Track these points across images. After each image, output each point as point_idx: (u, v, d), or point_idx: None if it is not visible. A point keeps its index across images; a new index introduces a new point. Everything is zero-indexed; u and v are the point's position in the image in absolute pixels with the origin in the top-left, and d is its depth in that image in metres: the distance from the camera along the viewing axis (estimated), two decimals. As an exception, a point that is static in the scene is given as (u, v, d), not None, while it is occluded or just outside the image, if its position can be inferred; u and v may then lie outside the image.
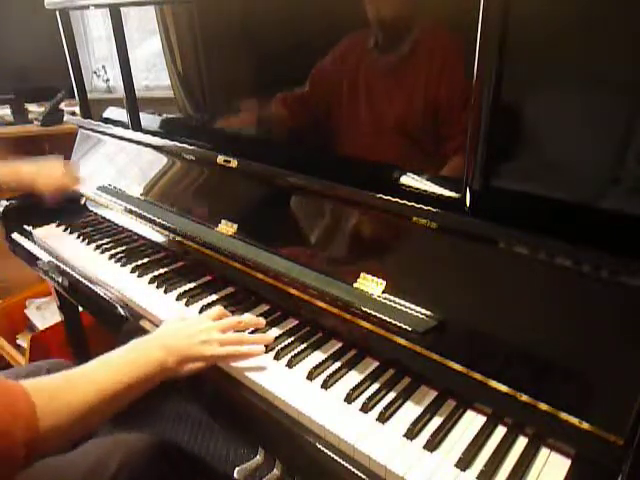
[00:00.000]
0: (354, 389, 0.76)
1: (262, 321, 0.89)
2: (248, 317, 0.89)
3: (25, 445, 0.57)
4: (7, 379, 0.61)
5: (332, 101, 0.93)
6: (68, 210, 1.44)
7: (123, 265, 1.17)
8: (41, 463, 0.77)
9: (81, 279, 1.16)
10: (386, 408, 0.72)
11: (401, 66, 0.81)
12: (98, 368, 0.70)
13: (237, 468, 1.37)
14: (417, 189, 0.83)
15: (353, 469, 0.66)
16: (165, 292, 1.05)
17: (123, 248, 1.26)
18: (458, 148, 0.76)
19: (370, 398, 0.74)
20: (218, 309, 0.88)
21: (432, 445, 0.67)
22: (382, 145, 0.89)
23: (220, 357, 0.80)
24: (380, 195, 0.82)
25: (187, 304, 1.00)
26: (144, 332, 0.97)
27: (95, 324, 1.67)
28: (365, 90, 0.87)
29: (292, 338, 0.89)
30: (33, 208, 1.44)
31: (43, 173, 1.24)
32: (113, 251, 1.24)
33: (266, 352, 0.85)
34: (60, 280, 1.21)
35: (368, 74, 0.86)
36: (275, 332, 0.91)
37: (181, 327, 0.81)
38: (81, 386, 0.66)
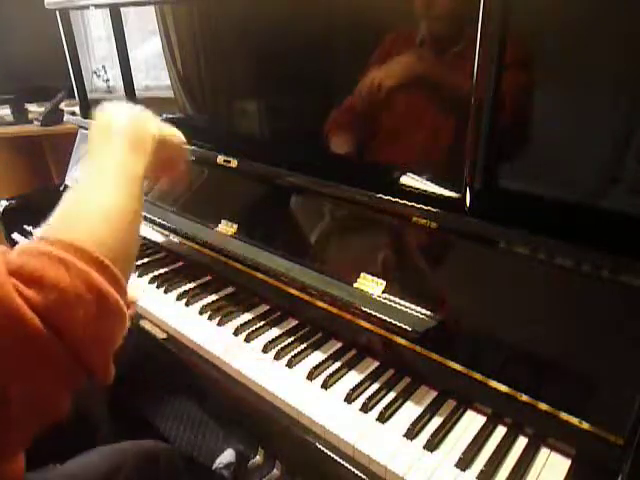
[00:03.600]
0: (354, 389, 0.76)
1: None
2: None
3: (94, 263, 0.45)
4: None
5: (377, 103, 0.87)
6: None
7: (123, 265, 1.17)
8: (52, 472, 0.76)
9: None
10: (386, 408, 0.72)
11: (449, 65, 0.78)
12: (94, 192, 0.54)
13: (237, 468, 1.37)
14: (417, 189, 0.83)
15: (353, 469, 0.66)
16: (165, 292, 1.05)
17: (123, 248, 1.25)
18: None
19: (370, 398, 0.74)
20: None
21: (432, 445, 0.67)
22: (405, 144, 0.87)
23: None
24: (380, 195, 0.82)
25: (187, 304, 1.00)
26: (144, 332, 0.98)
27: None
28: (405, 87, 0.85)
29: (292, 338, 0.89)
30: (33, 208, 1.44)
31: None
32: (113, 251, 1.24)
33: (266, 352, 0.85)
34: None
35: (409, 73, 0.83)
36: (275, 332, 0.91)
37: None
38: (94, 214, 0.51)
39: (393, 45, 0.83)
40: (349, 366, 0.82)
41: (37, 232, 0.48)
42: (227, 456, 1.38)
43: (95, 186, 0.54)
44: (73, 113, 1.73)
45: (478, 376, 0.69)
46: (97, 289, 0.44)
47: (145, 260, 1.19)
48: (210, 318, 0.95)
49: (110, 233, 0.50)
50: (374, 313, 0.77)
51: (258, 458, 1.41)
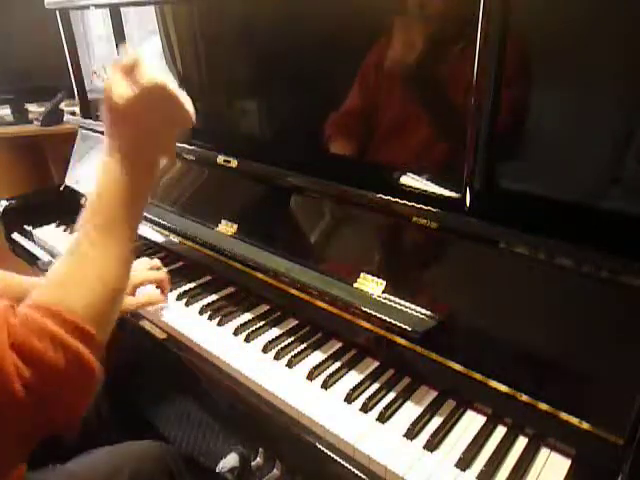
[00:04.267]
0: (354, 389, 0.76)
1: None
2: None
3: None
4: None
5: (377, 102, 0.88)
6: (68, 210, 1.45)
7: (123, 265, 1.17)
8: (53, 472, 0.77)
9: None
10: (386, 408, 0.72)
11: (449, 65, 0.79)
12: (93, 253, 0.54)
13: (237, 468, 1.37)
14: (417, 189, 0.83)
15: (353, 469, 0.66)
16: (165, 292, 1.05)
17: (123, 248, 1.25)
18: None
19: (370, 398, 0.74)
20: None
21: (432, 445, 0.67)
22: (403, 144, 0.87)
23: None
24: (380, 195, 0.82)
25: (187, 304, 1.00)
26: (144, 332, 0.98)
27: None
28: (401, 88, 0.85)
29: (292, 338, 0.89)
30: (33, 208, 1.44)
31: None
32: (113, 251, 1.24)
33: (266, 352, 0.85)
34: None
35: (407, 72, 0.84)
36: (275, 332, 0.91)
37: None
38: (90, 274, 0.53)
39: (389, 46, 0.83)
40: (349, 366, 0.82)
41: (37, 290, 0.51)
42: (230, 460, 1.38)
43: (96, 245, 0.54)
44: (73, 113, 1.73)
45: (478, 376, 0.69)
46: (88, 369, 0.49)
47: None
48: (210, 318, 0.95)
49: (103, 301, 0.53)
50: (374, 313, 0.77)
51: (259, 460, 1.41)
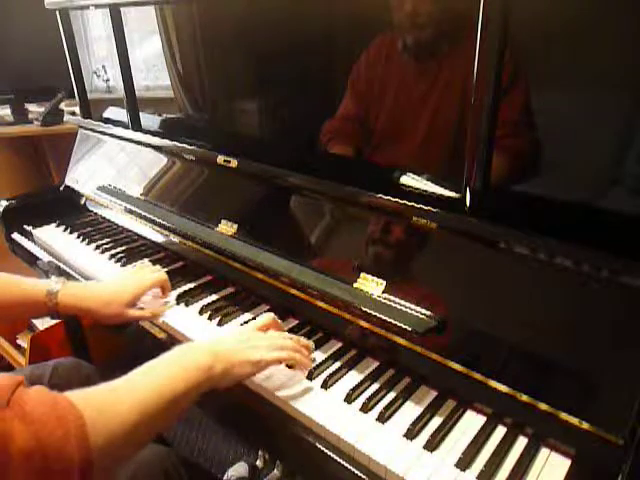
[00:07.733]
0: (354, 389, 0.76)
1: (311, 344, 0.83)
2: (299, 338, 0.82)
3: (80, 469, 0.50)
4: (48, 390, 0.54)
5: (370, 105, 0.89)
6: (68, 210, 1.45)
7: (123, 265, 1.17)
8: None
9: (81, 279, 1.16)
10: (386, 408, 0.72)
11: (438, 69, 0.79)
12: (142, 376, 0.64)
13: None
14: (417, 189, 0.83)
15: (353, 469, 0.66)
16: (165, 292, 1.05)
17: (123, 248, 1.26)
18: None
19: (370, 398, 0.74)
20: (268, 316, 0.83)
21: (432, 445, 0.67)
22: (399, 147, 0.87)
23: (268, 362, 0.75)
24: (380, 195, 0.82)
25: (187, 304, 1.00)
26: (144, 332, 0.97)
27: (95, 324, 1.66)
28: (394, 93, 0.85)
29: (292, 338, 0.89)
30: (33, 208, 1.44)
31: (108, 307, 0.95)
32: (113, 251, 1.24)
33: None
34: (60, 280, 1.21)
35: (400, 77, 0.84)
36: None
37: (231, 334, 0.78)
38: (127, 396, 0.59)
39: (386, 45, 0.83)
40: (349, 366, 0.82)
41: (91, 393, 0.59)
42: (239, 469, 1.37)
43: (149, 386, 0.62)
44: (73, 113, 1.73)
45: (478, 376, 0.69)
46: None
47: (145, 260, 1.18)
48: (210, 318, 0.95)
49: (132, 436, 0.58)
50: (374, 313, 0.77)
51: (259, 462, 1.41)
